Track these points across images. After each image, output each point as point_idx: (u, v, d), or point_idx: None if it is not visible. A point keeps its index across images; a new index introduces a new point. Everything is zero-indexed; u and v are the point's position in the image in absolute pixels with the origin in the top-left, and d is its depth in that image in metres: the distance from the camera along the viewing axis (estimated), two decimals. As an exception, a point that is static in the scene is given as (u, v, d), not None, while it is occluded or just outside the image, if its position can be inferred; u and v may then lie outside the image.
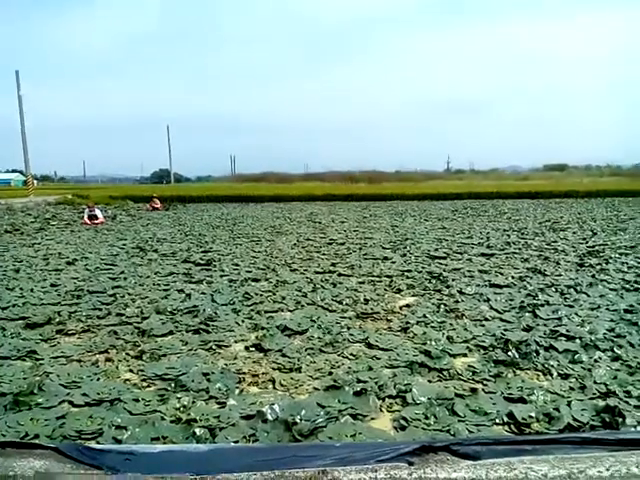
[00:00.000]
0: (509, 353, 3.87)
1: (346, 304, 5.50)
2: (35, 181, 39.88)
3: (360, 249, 9.62)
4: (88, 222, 15.19)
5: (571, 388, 3.31)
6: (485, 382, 3.44)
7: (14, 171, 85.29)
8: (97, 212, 15.89)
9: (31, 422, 2.90)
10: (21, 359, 3.95)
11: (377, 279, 6.86)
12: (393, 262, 8.17)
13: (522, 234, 11.83)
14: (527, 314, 5.04)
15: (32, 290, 6.27)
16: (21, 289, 6.33)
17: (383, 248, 9.77)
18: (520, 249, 9.43)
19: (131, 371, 3.71)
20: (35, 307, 5.44)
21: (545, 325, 4.66)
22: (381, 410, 3.06)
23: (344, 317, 5.04)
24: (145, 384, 3.48)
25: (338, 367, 3.74)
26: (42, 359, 3.93)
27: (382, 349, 4.09)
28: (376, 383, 3.36)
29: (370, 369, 3.68)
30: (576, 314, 4.98)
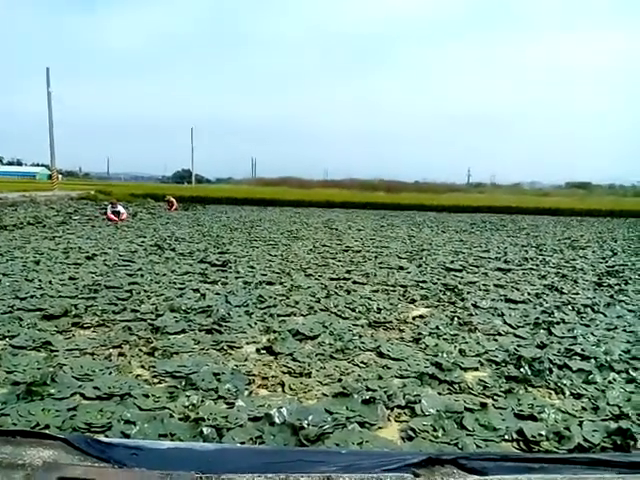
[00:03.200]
0: (521, 369, 3.82)
1: (359, 312, 5.49)
2: (60, 176, 40.61)
3: (376, 257, 9.60)
4: (113, 218, 15.36)
5: (583, 408, 3.25)
6: (496, 397, 3.41)
7: (40, 165, 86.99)
8: (120, 208, 16.08)
9: (42, 412, 2.94)
10: (36, 349, 4.02)
11: (391, 288, 6.83)
12: (408, 272, 8.13)
13: (540, 250, 11.69)
14: (542, 331, 4.98)
15: (51, 282, 6.38)
16: (40, 281, 6.44)
17: (399, 258, 9.74)
18: (538, 265, 9.31)
19: (143, 367, 3.75)
20: (52, 299, 5.53)
21: (560, 343, 4.60)
22: (389, 420, 3.05)
23: (356, 325, 5.03)
24: (156, 380, 3.51)
25: (348, 374, 3.73)
26: (57, 350, 3.99)
27: (393, 359, 4.08)
28: (385, 392, 3.34)
29: (380, 378, 3.66)
30: (592, 334, 4.90)
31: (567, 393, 3.49)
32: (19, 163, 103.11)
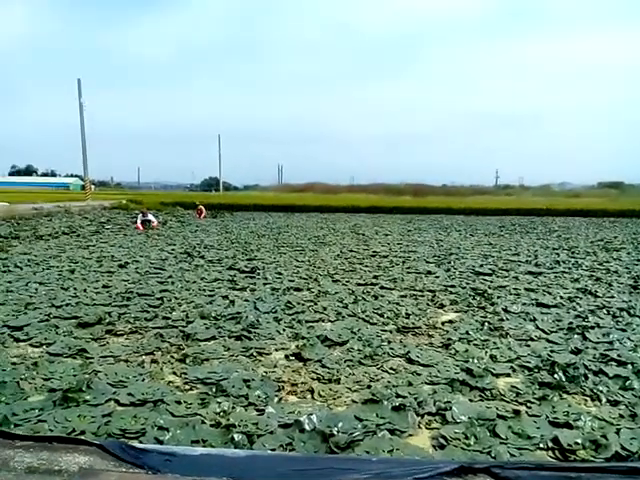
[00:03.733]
0: (555, 375, 3.73)
1: (387, 317, 5.46)
2: (93, 186, 41.65)
3: (403, 262, 9.54)
4: (141, 227, 15.72)
5: (621, 415, 3.16)
6: (529, 404, 3.34)
7: (73, 176, 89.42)
8: (150, 217, 16.43)
9: (78, 418, 3.02)
10: (72, 357, 4.13)
11: (419, 293, 6.78)
12: (437, 277, 8.05)
13: (572, 253, 11.42)
14: (576, 336, 4.86)
15: (85, 290, 6.55)
16: (75, 289, 6.62)
17: (427, 262, 9.65)
18: (570, 268, 9.10)
19: (175, 373, 3.81)
20: (87, 307, 5.67)
21: (595, 348, 4.48)
22: (419, 427, 3.02)
23: (385, 330, 5.01)
24: (187, 387, 3.57)
25: (377, 380, 3.71)
26: (92, 358, 4.09)
27: (422, 365, 4.04)
28: (415, 399, 3.32)
29: (410, 384, 3.64)
30: (628, 338, 4.76)
31: (603, 400, 3.40)
32: (53, 174, 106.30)
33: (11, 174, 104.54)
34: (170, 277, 7.59)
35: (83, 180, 33.62)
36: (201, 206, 22.62)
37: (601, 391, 3.51)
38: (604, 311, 5.84)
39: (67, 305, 5.73)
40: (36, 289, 6.59)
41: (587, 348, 4.49)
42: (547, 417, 3.13)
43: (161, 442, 2.72)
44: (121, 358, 4.10)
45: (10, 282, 6.99)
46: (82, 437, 2.81)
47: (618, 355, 4.21)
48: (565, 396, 3.48)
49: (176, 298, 6.20)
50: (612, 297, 6.66)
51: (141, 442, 2.71)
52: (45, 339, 4.52)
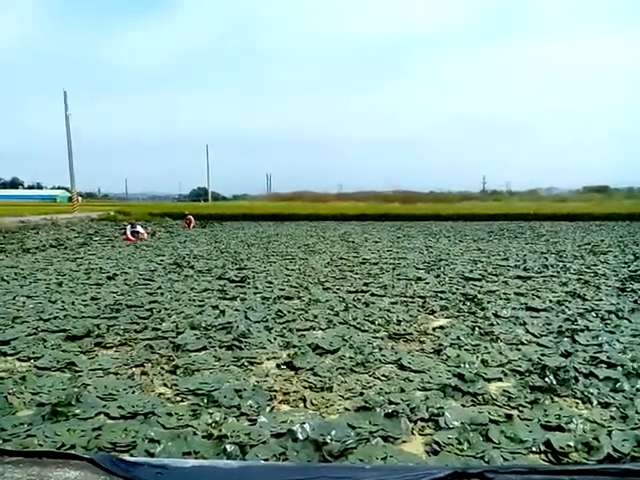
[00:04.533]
0: (546, 379, 3.75)
1: (378, 324, 5.46)
2: (80, 198, 41.34)
3: (393, 269, 9.56)
4: (131, 238, 15.60)
5: (612, 417, 3.18)
6: (521, 408, 3.35)
7: (60, 188, 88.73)
8: (139, 228, 16.34)
9: (68, 433, 2.98)
10: (60, 370, 4.07)
11: (410, 300, 6.79)
12: (427, 283, 8.08)
13: (560, 257, 11.53)
14: (566, 339, 4.89)
15: (73, 303, 6.48)
16: (63, 302, 6.55)
17: (417, 268, 9.68)
18: (558, 272, 9.18)
19: (165, 385, 3.77)
20: (75, 320, 5.61)
21: (585, 351, 4.51)
22: (413, 433, 3.02)
23: (376, 337, 5.01)
24: (178, 398, 3.53)
25: (369, 388, 3.71)
26: (81, 371, 4.05)
27: (414, 371, 4.04)
28: (408, 405, 3.31)
29: (402, 391, 3.63)
30: (618, 340, 4.80)
31: (594, 402, 3.42)
32: (39, 187, 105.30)
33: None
34: (159, 288, 7.54)
35: (70, 192, 33.38)
36: (190, 216, 22.54)
37: (592, 393, 3.53)
38: (593, 314, 5.89)
39: (55, 318, 5.66)
40: (23, 302, 6.51)
41: (577, 351, 4.52)
42: (539, 421, 3.14)
43: (152, 455, 2.69)
44: (110, 371, 4.06)
45: (-4, 296, 6.89)
46: (72, 451, 2.77)
47: (608, 357, 4.25)
48: (556, 399, 3.50)
49: (166, 309, 6.16)
50: (600, 300, 6.72)
51: (132, 455, 2.68)
52: (33, 353, 4.46)
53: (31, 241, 14.55)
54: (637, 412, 3.20)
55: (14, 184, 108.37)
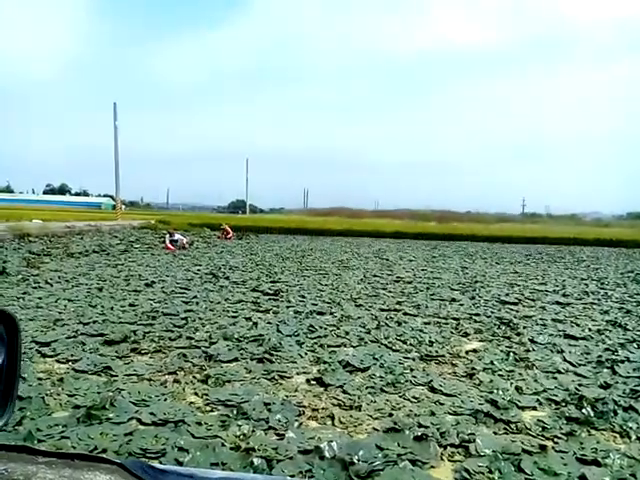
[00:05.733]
0: (583, 410, 3.62)
1: (410, 344, 5.40)
2: (123, 206, 42.65)
3: (427, 289, 9.45)
4: (170, 247, 15.99)
5: (652, 455, 3.04)
6: (556, 440, 3.24)
7: (105, 195, 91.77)
8: (177, 236, 16.73)
9: (100, 436, 3.05)
10: (97, 374, 4.19)
11: (443, 321, 6.69)
12: (461, 304, 7.95)
13: (602, 284, 11.15)
14: (605, 370, 4.72)
15: (112, 308, 6.66)
16: (102, 307, 6.74)
17: (451, 289, 9.54)
18: (599, 300, 8.87)
19: (196, 394, 3.83)
20: (113, 325, 5.76)
21: (625, 383, 4.34)
22: (442, 459, 2.96)
23: (407, 357, 4.95)
24: (208, 408, 3.58)
25: (399, 409, 3.66)
26: (116, 375, 4.15)
27: (446, 394, 3.97)
28: (438, 429, 3.25)
29: (432, 414, 3.57)
30: (661, 374, 4.60)
31: (633, 437, 3.28)
32: (85, 194, 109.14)
33: (45, 193, 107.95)
34: (195, 297, 7.68)
35: (114, 200, 34.46)
36: (227, 227, 22.89)
37: (631, 428, 3.39)
38: (635, 345, 5.66)
39: (94, 322, 5.83)
40: (65, 306, 6.74)
41: (617, 383, 4.35)
42: (574, 453, 3.03)
43: (181, 463, 2.73)
44: (144, 377, 4.15)
45: (40, 298, 7.16)
46: (104, 455, 2.83)
47: (650, 391, 4.07)
48: (593, 432, 3.37)
49: (200, 318, 6.26)
50: (644, 331, 6.46)
51: (161, 462, 2.73)
52: (71, 355, 4.61)
53: (75, 246, 15.06)
54: (680, 451, 3.05)
55: (62, 191, 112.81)
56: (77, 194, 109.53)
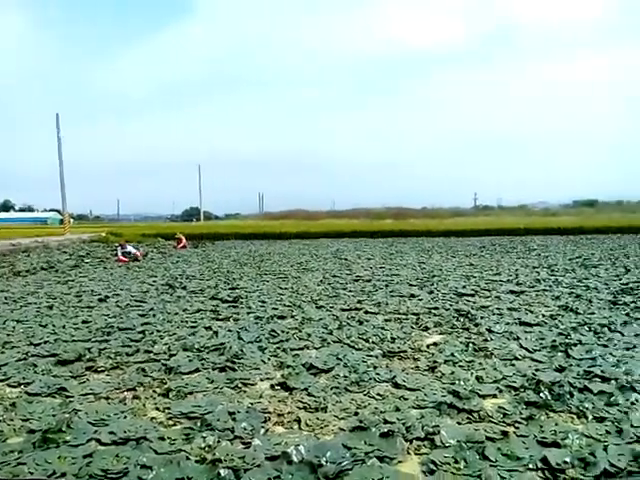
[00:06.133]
0: (541, 394, 3.74)
1: (372, 342, 5.44)
2: (71, 220, 41.20)
3: (386, 286, 9.56)
4: (123, 259, 15.60)
5: (607, 432, 3.17)
6: (517, 425, 3.33)
7: (51, 210, 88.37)
8: (130, 249, 16.32)
9: (58, 460, 2.92)
10: (51, 396, 4.01)
11: (404, 317, 6.78)
12: (420, 299, 8.08)
13: (552, 271, 11.59)
14: (559, 354, 4.90)
15: (64, 327, 6.41)
16: (53, 326, 6.47)
17: (410, 285, 9.69)
18: (550, 286, 9.22)
19: (157, 409, 3.72)
20: (66, 344, 5.54)
21: (578, 365, 4.52)
22: (408, 453, 2.99)
23: (370, 355, 4.98)
24: (171, 422, 3.48)
25: (364, 407, 3.68)
26: (72, 396, 3.98)
27: (409, 389, 4.02)
28: (403, 424, 3.29)
29: (397, 409, 3.61)
30: (611, 354, 4.82)
31: (590, 417, 3.41)
32: (30, 209, 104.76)
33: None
34: (152, 310, 7.48)
35: (61, 214, 33.27)
36: (181, 235, 22.48)
37: (587, 408, 3.52)
38: (586, 328, 5.91)
39: (45, 342, 5.59)
40: (13, 327, 6.43)
41: (571, 365, 4.52)
42: (535, 437, 3.13)
43: (145, 481, 2.64)
44: (102, 395, 4.00)
45: (-14, 321, 6.80)
46: (63, 479, 2.73)
47: (601, 371, 4.25)
48: (552, 415, 3.49)
49: (158, 331, 6.10)
50: (593, 313, 6.75)
51: (124, 482, 2.63)
52: (23, 378, 4.40)
53: (22, 264, 14.42)
54: (632, 426, 3.20)
55: (5, 207, 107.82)
56: (22, 210, 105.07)
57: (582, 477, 2.64)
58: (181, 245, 21.78)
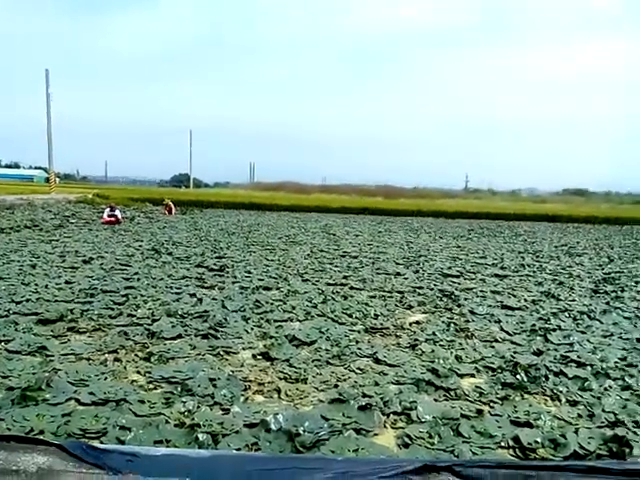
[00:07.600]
0: (518, 376, 3.82)
1: (356, 317, 5.49)
2: (57, 179, 40.56)
3: (373, 263, 9.60)
4: (109, 220, 15.47)
5: (579, 415, 3.26)
6: (492, 404, 3.41)
7: (38, 168, 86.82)
8: (117, 212, 16.16)
9: (37, 418, 2.93)
10: (31, 354, 4.00)
11: (388, 294, 6.84)
12: (405, 278, 8.14)
13: (537, 257, 11.72)
14: (538, 338, 4.99)
15: (47, 286, 6.36)
16: (36, 285, 6.42)
17: (396, 263, 9.74)
18: (534, 272, 9.33)
19: (138, 372, 3.73)
20: (49, 303, 5.51)
21: (556, 350, 4.61)
22: (385, 426, 3.05)
23: (353, 330, 5.03)
24: (151, 386, 3.50)
25: (344, 380, 3.73)
26: (52, 355, 3.98)
27: (389, 365, 4.08)
28: (381, 399, 3.34)
29: (376, 384, 3.66)
30: (588, 341, 4.92)
31: (563, 400, 3.50)
32: (17, 166, 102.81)
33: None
34: (136, 274, 7.45)
35: (48, 172, 32.73)
36: (170, 202, 22.27)
37: (561, 391, 3.61)
38: (566, 314, 6.01)
39: (27, 301, 5.55)
40: (-5, 284, 6.37)
41: (548, 350, 4.61)
42: (509, 416, 3.20)
43: (123, 442, 2.67)
44: (83, 356, 4.00)
45: (-33, 276, 6.73)
46: (41, 437, 2.73)
47: (578, 357, 4.34)
48: (526, 396, 3.57)
49: (142, 295, 6.09)
50: (573, 300, 6.86)
51: (102, 442, 2.65)
52: (4, 335, 4.37)
53: (5, 221, 14.22)
54: (604, 411, 3.28)
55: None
56: (8, 166, 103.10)
57: (552, 457, 2.71)
58: (172, 212, 21.58)
